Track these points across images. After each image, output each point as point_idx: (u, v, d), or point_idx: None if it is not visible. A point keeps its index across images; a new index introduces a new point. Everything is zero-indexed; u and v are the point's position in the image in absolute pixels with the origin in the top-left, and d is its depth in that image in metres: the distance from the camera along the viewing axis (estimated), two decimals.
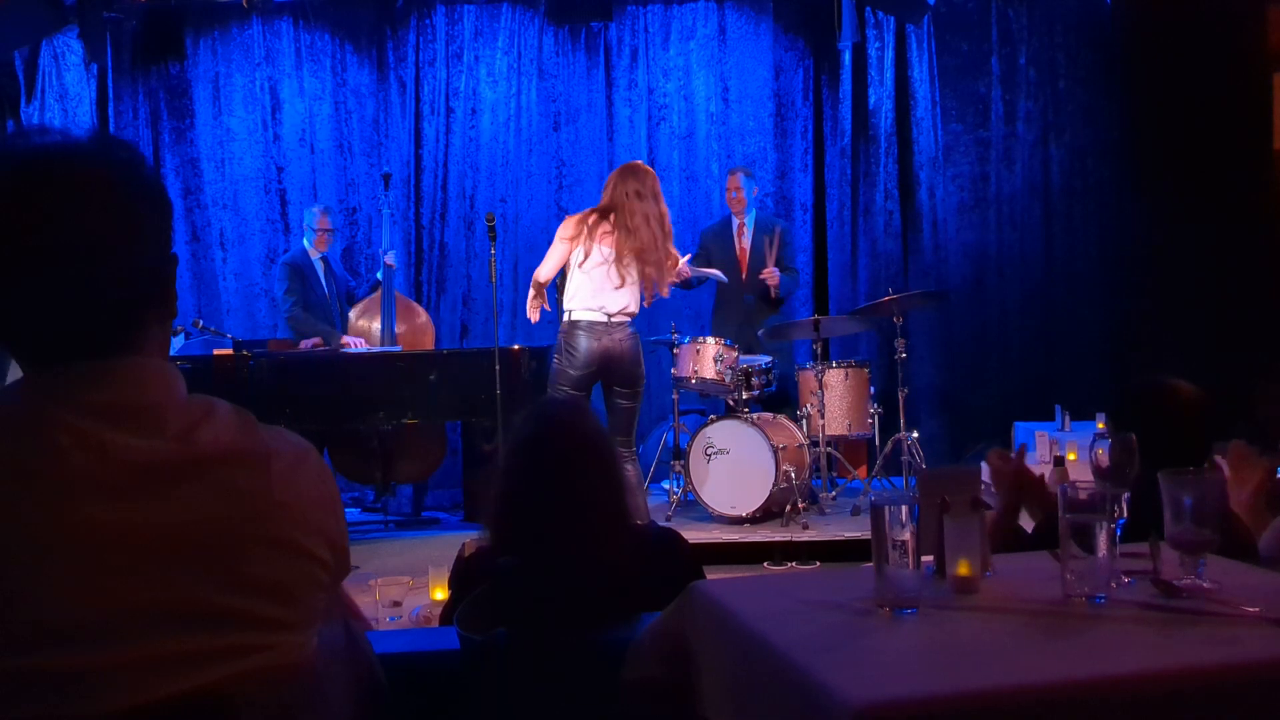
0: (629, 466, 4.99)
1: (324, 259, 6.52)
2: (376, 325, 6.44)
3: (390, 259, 6.42)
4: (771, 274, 6.21)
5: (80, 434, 1.13)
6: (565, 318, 4.94)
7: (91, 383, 1.16)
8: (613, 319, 4.90)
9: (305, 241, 6.51)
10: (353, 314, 6.54)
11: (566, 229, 4.91)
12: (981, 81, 7.39)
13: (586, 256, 4.85)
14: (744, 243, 6.42)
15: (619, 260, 4.84)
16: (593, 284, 4.86)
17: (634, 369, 5.02)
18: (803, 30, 7.49)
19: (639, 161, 5.31)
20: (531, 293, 5.06)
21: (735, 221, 6.45)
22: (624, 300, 4.92)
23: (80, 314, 1.16)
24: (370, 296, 6.58)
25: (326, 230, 6.47)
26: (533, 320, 5.16)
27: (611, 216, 4.85)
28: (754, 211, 6.49)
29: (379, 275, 6.53)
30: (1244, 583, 1.69)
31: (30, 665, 1.08)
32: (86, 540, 1.10)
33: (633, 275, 4.89)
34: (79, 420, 1.14)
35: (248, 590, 1.16)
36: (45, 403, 1.15)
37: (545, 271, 4.95)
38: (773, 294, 6.27)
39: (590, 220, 4.86)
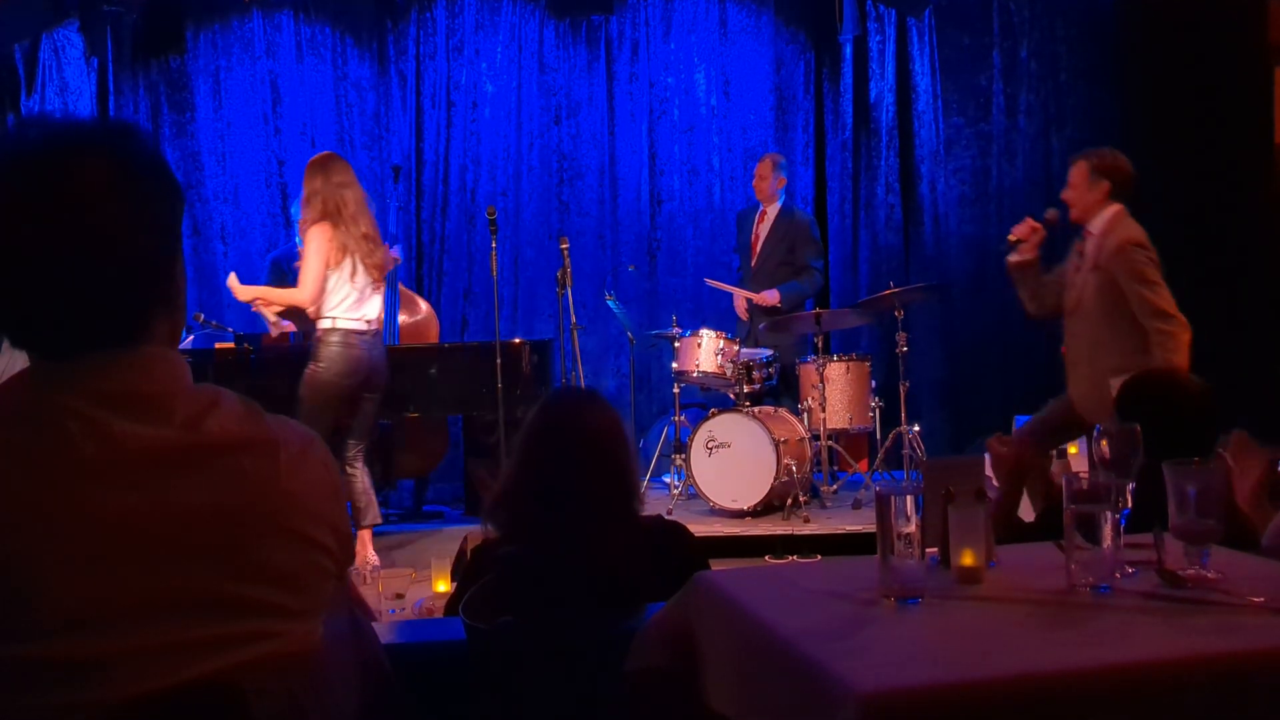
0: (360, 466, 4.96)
1: None
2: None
3: (395, 253, 6.40)
4: (764, 298, 6.22)
5: (88, 421, 1.13)
6: (329, 325, 4.78)
7: (99, 372, 1.16)
8: (371, 326, 4.87)
9: (297, 238, 6.54)
10: None
11: (327, 246, 4.71)
12: (983, 74, 7.39)
13: (354, 269, 4.74)
14: (760, 230, 6.41)
15: (370, 266, 4.79)
16: (355, 293, 4.78)
17: (385, 375, 5.02)
18: (803, 23, 7.48)
19: (328, 152, 5.19)
20: (274, 315, 5.02)
21: (760, 207, 6.45)
22: (379, 307, 4.91)
23: (87, 306, 1.16)
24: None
25: None
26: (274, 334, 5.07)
27: (342, 219, 4.73)
28: (782, 200, 6.45)
29: None
30: (1248, 572, 1.70)
31: (40, 652, 1.08)
32: (94, 527, 1.11)
33: (375, 277, 4.85)
34: (87, 408, 1.14)
35: (256, 578, 1.17)
36: (53, 390, 1.15)
37: (313, 293, 4.73)
38: (779, 306, 6.24)
39: (337, 230, 4.73)
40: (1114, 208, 4.31)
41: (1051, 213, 4.49)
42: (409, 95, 7.36)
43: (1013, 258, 4.47)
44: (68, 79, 7.16)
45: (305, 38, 7.31)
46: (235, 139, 7.26)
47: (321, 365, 4.77)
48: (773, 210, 6.41)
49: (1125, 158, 4.37)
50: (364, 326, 4.83)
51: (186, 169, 7.27)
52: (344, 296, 4.76)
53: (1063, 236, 4.61)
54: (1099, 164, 4.30)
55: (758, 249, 6.37)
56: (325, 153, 5.16)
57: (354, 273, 4.74)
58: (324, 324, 4.79)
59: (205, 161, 7.28)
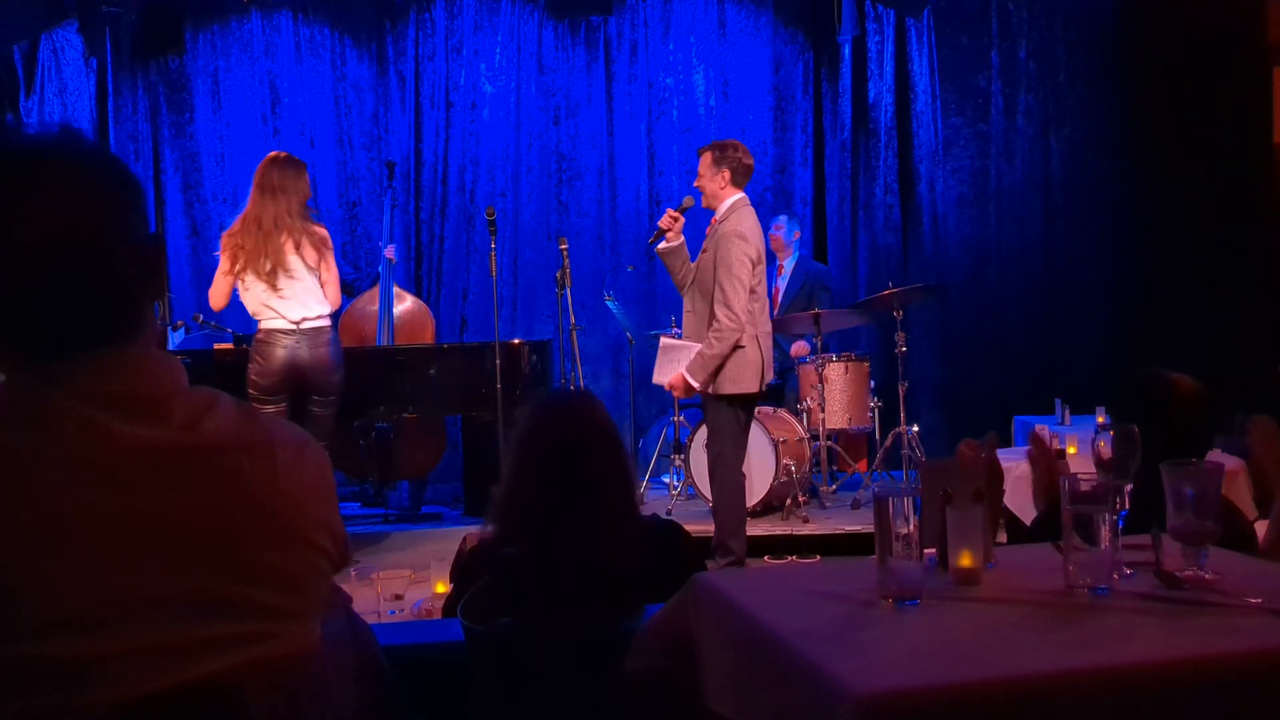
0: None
1: None
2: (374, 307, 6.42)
3: (390, 252, 6.39)
4: (802, 346, 6.40)
5: (85, 421, 1.13)
6: (257, 326, 4.88)
7: (96, 373, 1.16)
8: (298, 325, 4.81)
9: None
10: (358, 304, 6.53)
11: (223, 256, 4.81)
12: (981, 75, 7.39)
13: (269, 271, 4.77)
14: (780, 283, 6.56)
15: (281, 266, 4.76)
16: (274, 294, 4.78)
17: (324, 375, 4.94)
18: (802, 23, 7.49)
19: (276, 152, 5.18)
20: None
21: (777, 259, 6.57)
22: (310, 307, 4.80)
23: (80, 305, 1.16)
24: (371, 290, 6.58)
25: None
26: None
27: (246, 225, 4.80)
28: (797, 255, 6.65)
29: (380, 269, 6.52)
30: (1246, 574, 1.70)
31: (36, 653, 1.08)
32: (91, 528, 1.11)
33: (297, 275, 4.77)
34: (84, 408, 1.14)
35: (253, 578, 1.17)
36: (50, 391, 1.15)
37: (214, 299, 4.85)
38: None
39: (233, 237, 4.80)
40: (736, 196, 4.57)
41: (688, 200, 4.75)
42: (408, 96, 7.36)
43: (660, 246, 4.69)
44: (67, 80, 7.16)
45: (304, 38, 7.31)
46: (234, 140, 7.26)
47: (248, 366, 4.86)
48: (789, 263, 6.58)
49: (745, 149, 4.65)
50: (288, 325, 4.82)
51: (185, 170, 7.28)
52: (261, 300, 4.79)
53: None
54: (719, 155, 4.57)
55: (779, 300, 6.48)
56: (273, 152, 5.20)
57: (267, 275, 4.74)
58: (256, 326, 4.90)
59: (204, 162, 7.28)
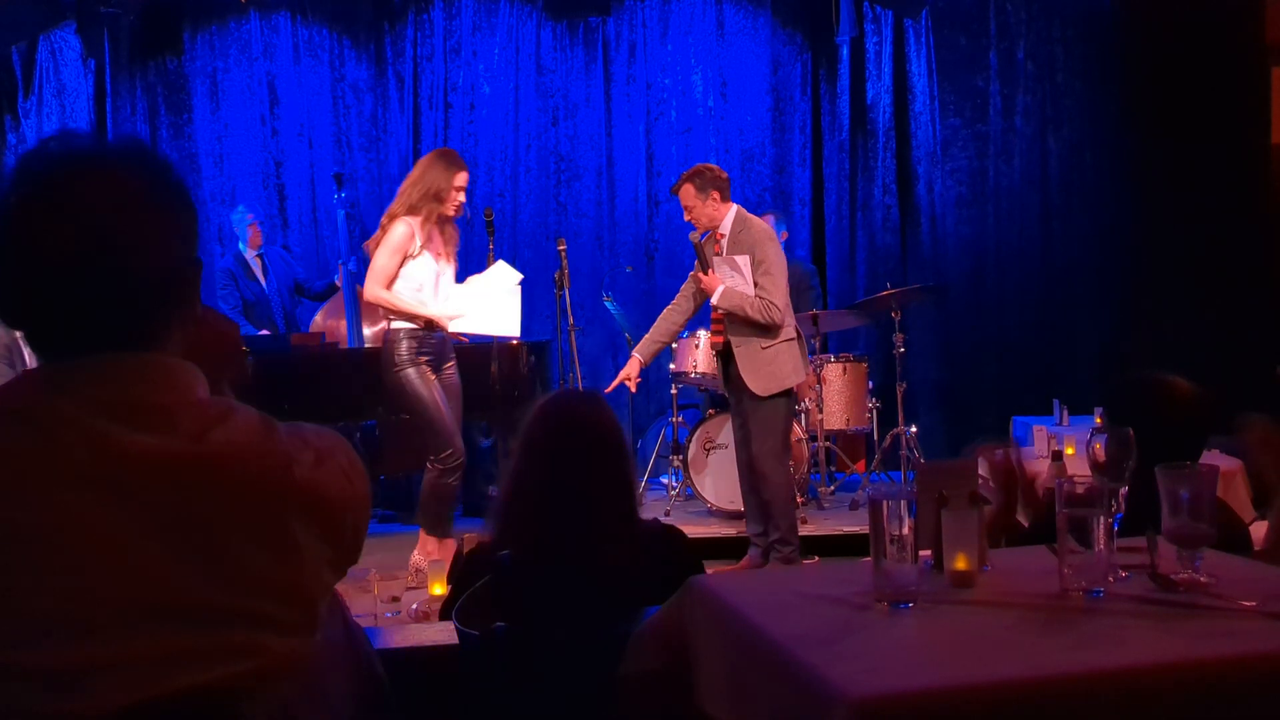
0: None
1: (260, 256, 6.54)
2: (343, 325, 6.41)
3: (351, 265, 6.31)
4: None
5: (83, 430, 1.13)
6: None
7: (100, 378, 1.16)
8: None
9: (239, 244, 6.54)
10: (319, 316, 6.51)
11: None
12: (979, 75, 7.39)
13: None
14: None
15: None
16: None
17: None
18: (800, 24, 7.49)
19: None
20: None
21: None
22: None
23: (105, 304, 1.16)
24: (334, 296, 6.54)
25: (252, 226, 6.53)
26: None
27: None
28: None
29: (335, 279, 6.48)
30: (1240, 576, 1.70)
31: (29, 660, 1.08)
32: (86, 536, 1.10)
33: None
34: (84, 416, 1.14)
35: (251, 589, 1.16)
36: (51, 396, 1.15)
37: None
38: None
39: None
40: (734, 208, 4.78)
41: (694, 235, 4.86)
42: (406, 97, 7.36)
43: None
44: (65, 81, 7.16)
45: (303, 39, 7.30)
46: (233, 141, 7.25)
47: None
48: None
49: (714, 165, 4.93)
50: None
51: (184, 171, 7.21)
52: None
53: None
54: (700, 181, 4.72)
55: None
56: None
57: None
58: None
59: (203, 163, 7.27)
